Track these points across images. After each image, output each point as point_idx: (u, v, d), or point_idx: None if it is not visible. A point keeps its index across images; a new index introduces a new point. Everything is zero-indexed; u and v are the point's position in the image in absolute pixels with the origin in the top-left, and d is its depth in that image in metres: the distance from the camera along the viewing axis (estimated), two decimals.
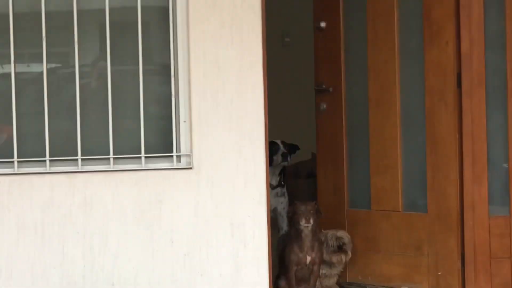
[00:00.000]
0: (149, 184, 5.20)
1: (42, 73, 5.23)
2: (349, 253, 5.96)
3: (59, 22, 5.37)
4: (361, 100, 6.38)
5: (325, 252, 5.89)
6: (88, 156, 5.24)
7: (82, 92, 5.28)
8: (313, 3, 6.95)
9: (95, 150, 5.26)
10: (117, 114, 5.27)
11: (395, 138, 6.11)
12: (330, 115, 6.56)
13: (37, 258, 5.28)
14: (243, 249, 5.26)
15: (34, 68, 5.66)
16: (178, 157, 5.19)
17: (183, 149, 5.22)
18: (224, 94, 5.26)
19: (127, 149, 5.30)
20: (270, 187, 5.71)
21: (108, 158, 5.13)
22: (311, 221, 5.62)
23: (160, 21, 5.53)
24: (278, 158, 6.35)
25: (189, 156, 5.18)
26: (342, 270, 6.13)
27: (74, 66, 5.23)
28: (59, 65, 5.70)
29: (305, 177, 7.69)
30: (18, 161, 5.13)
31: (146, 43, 5.44)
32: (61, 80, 5.53)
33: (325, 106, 6.58)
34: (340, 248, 5.93)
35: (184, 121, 5.24)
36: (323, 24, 6.63)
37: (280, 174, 6.62)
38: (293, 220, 5.91)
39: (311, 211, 5.67)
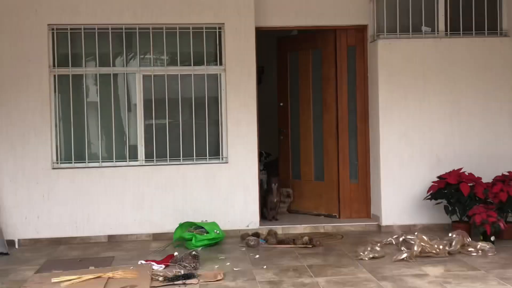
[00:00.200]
0: (210, 168, 7.22)
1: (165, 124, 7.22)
2: (292, 198, 8.01)
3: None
4: (295, 134, 8.19)
5: (281, 196, 7.84)
6: (185, 157, 7.24)
7: (185, 131, 7.26)
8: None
9: (187, 154, 7.25)
10: (198, 139, 7.27)
11: (310, 149, 8.02)
12: (285, 136, 8.37)
13: (164, 199, 7.11)
14: (248, 195, 7.22)
15: (160, 120, 7.30)
16: (222, 158, 7.27)
17: (224, 154, 7.25)
18: (240, 131, 7.19)
19: (201, 154, 7.29)
20: (259, 170, 7.48)
21: (192, 158, 7.23)
22: (276, 184, 7.64)
23: (215, 102, 7.32)
24: (262, 158, 8.04)
25: (226, 157, 7.21)
26: (288, 205, 8.08)
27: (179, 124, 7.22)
28: (174, 121, 7.31)
29: (275, 166, 8.75)
30: (156, 159, 7.18)
31: (209, 111, 7.32)
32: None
33: (283, 130, 8.36)
34: (288, 195, 7.97)
35: (225, 143, 7.21)
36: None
37: (263, 165, 8.29)
38: (268, 183, 7.74)
39: (276, 180, 7.72)
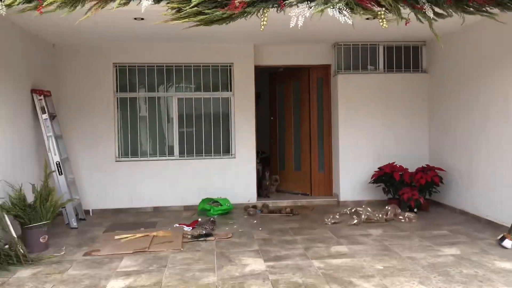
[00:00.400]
0: (223, 162, 7.17)
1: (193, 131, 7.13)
2: (279, 182, 7.87)
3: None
4: (281, 138, 8.11)
5: (272, 181, 7.78)
6: (206, 154, 7.20)
7: (206, 136, 7.19)
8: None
9: (207, 152, 7.20)
10: (215, 142, 7.21)
11: (291, 149, 7.93)
12: (274, 140, 8.32)
13: (191, 182, 7.02)
14: (248, 180, 7.19)
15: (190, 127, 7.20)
16: (232, 154, 7.21)
17: (233, 152, 7.20)
18: (243, 136, 7.16)
19: (217, 152, 7.23)
20: (257, 163, 7.40)
21: (211, 154, 7.18)
22: (268, 172, 7.71)
23: (227, 116, 7.25)
24: (258, 155, 7.80)
25: (234, 154, 7.18)
26: (276, 187, 7.88)
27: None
28: (198, 129, 7.16)
29: (267, 160, 8.55)
30: (186, 155, 7.13)
31: (223, 123, 7.25)
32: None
33: (273, 137, 8.29)
34: (276, 180, 7.85)
35: (233, 144, 7.16)
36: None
37: (259, 159, 7.94)
38: (263, 172, 7.74)
39: (268, 170, 7.80)
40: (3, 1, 3.31)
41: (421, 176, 6.45)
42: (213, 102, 7.28)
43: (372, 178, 6.90)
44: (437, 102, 6.98)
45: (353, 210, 6.31)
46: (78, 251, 4.74)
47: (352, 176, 7.23)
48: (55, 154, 5.88)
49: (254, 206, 6.86)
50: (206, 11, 3.31)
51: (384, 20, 3.37)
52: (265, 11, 3.34)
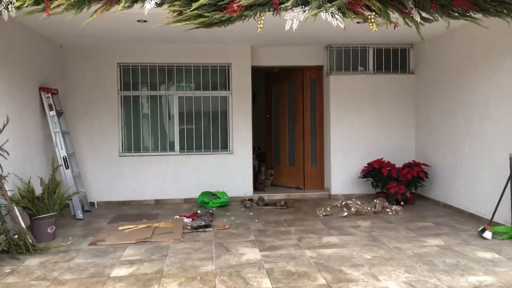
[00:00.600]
0: (221, 157, 7.11)
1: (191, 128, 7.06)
2: (274, 176, 7.92)
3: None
4: (276, 135, 8.06)
5: (267, 175, 7.81)
6: (205, 150, 7.14)
7: (205, 132, 7.06)
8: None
9: (206, 148, 7.14)
10: (214, 138, 7.17)
11: (286, 145, 7.87)
12: (270, 136, 8.25)
13: (191, 176, 6.96)
14: (245, 174, 7.14)
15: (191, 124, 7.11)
16: (229, 150, 7.16)
17: (230, 148, 7.15)
18: (240, 133, 7.10)
19: (216, 148, 7.17)
20: (253, 158, 7.38)
21: (210, 150, 7.13)
22: (264, 167, 7.64)
23: (225, 114, 7.18)
24: (255, 151, 7.76)
25: (232, 150, 7.13)
26: (271, 181, 7.93)
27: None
28: (198, 126, 7.07)
29: (263, 156, 8.42)
30: (187, 151, 7.04)
31: (221, 120, 7.18)
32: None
33: (268, 133, 8.20)
34: (271, 175, 7.90)
35: (231, 141, 7.09)
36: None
37: (255, 155, 7.81)
38: (259, 167, 7.64)
39: (264, 165, 7.71)
40: (13, 3, 3.26)
41: (407, 172, 6.47)
42: (212, 100, 7.24)
43: (361, 173, 6.90)
44: (423, 102, 6.98)
45: (343, 203, 6.31)
46: (84, 241, 4.74)
47: (343, 171, 7.22)
48: (62, 149, 5.87)
49: (251, 199, 6.86)
50: (206, 14, 3.28)
51: (374, 24, 3.35)
52: (261, 14, 3.31)
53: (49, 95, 5.83)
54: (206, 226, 5.25)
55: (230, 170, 7.16)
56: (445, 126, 6.28)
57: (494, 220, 4.93)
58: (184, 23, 3.32)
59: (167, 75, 7.11)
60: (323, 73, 7.52)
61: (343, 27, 3.29)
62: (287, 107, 7.92)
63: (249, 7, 3.27)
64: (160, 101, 7.16)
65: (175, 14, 3.34)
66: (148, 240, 4.70)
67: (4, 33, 4.81)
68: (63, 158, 5.87)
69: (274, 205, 6.57)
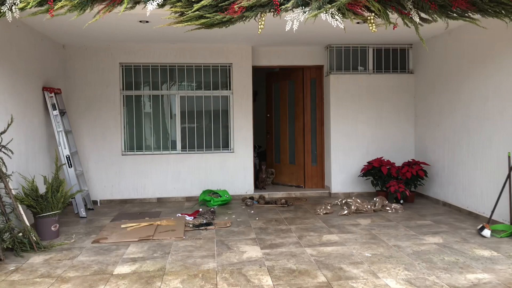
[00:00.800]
0: (222, 156, 7.08)
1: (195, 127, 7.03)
2: (274, 175, 7.90)
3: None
4: (277, 134, 8.01)
5: (268, 174, 7.80)
6: (207, 148, 7.12)
7: (207, 131, 7.08)
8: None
9: (208, 146, 7.12)
10: (215, 137, 7.12)
11: (286, 144, 7.84)
12: (270, 135, 8.20)
13: (193, 175, 6.95)
14: (246, 172, 7.11)
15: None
16: (230, 149, 7.14)
17: (231, 147, 7.13)
18: (241, 132, 7.08)
19: (217, 147, 7.14)
20: (254, 157, 7.39)
21: (211, 149, 7.10)
22: (264, 166, 7.56)
23: (226, 113, 7.16)
24: (255, 149, 7.97)
25: (233, 149, 7.11)
26: (272, 179, 7.92)
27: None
28: (199, 125, 7.07)
29: (264, 154, 8.59)
30: (188, 149, 7.00)
31: (222, 119, 7.16)
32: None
33: (268, 131, 8.14)
34: (272, 173, 7.89)
35: (232, 139, 7.08)
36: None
37: (256, 153, 8.00)
38: (259, 165, 7.62)
39: (264, 163, 7.63)
40: (17, 5, 3.27)
41: (407, 170, 6.48)
42: (213, 100, 7.24)
43: (361, 171, 6.89)
44: (422, 101, 6.97)
45: (343, 201, 6.31)
46: (87, 239, 4.76)
47: (343, 169, 7.22)
48: (65, 148, 5.89)
49: (251, 197, 6.86)
50: (207, 15, 3.28)
51: (373, 24, 3.36)
52: (262, 15, 3.31)
53: (52, 94, 5.85)
54: (208, 224, 5.25)
55: (231, 169, 7.15)
56: (443, 125, 6.28)
57: (493, 218, 4.95)
58: (186, 24, 3.32)
59: (169, 75, 7.11)
60: (323, 72, 7.50)
61: (343, 27, 3.31)
62: (288, 106, 7.90)
63: (250, 8, 3.27)
64: (162, 101, 7.15)
65: (176, 15, 3.35)
66: (151, 238, 4.71)
67: (7, 33, 4.82)
68: (66, 157, 5.89)
69: (275, 203, 6.56)
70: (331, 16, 3.22)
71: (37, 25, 5.38)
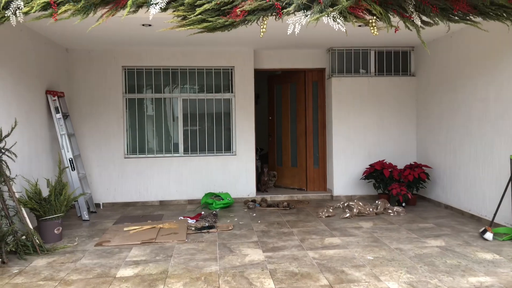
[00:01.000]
0: (224, 158, 7.09)
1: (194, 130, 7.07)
2: (276, 177, 7.86)
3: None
4: (279, 136, 7.98)
5: (270, 176, 7.77)
6: (209, 151, 7.12)
7: (209, 134, 7.06)
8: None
9: (210, 149, 7.12)
10: (217, 140, 7.13)
11: (288, 146, 7.82)
12: (272, 138, 8.18)
13: (195, 178, 6.96)
14: (248, 175, 7.11)
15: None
16: (232, 152, 7.15)
17: (233, 149, 7.14)
18: (243, 135, 7.09)
19: (219, 149, 7.15)
20: (256, 159, 7.37)
21: (213, 151, 7.10)
22: (266, 168, 7.58)
23: (228, 116, 7.18)
24: (257, 152, 7.88)
25: (235, 151, 7.12)
26: (274, 182, 7.91)
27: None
28: (202, 128, 7.07)
29: (266, 157, 8.61)
30: (190, 152, 7.00)
31: (225, 122, 7.18)
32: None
33: (270, 133, 8.11)
34: (274, 176, 7.85)
35: (234, 142, 7.09)
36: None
37: (258, 156, 7.95)
38: (261, 168, 7.65)
39: (266, 166, 7.65)
40: (21, 9, 3.29)
41: (409, 173, 6.47)
42: (216, 102, 7.24)
43: (363, 174, 6.89)
44: (424, 103, 6.97)
45: (345, 204, 6.31)
46: (90, 242, 4.76)
47: (345, 172, 7.21)
48: (68, 151, 5.90)
49: (254, 200, 6.85)
50: (210, 19, 3.30)
51: (375, 28, 3.37)
52: (264, 19, 3.33)
53: (56, 98, 5.87)
54: (210, 227, 5.25)
55: (233, 171, 7.15)
56: (445, 127, 6.27)
57: (495, 221, 4.93)
58: (188, 27, 3.34)
59: (171, 78, 7.12)
60: (325, 75, 7.50)
61: (344, 31, 3.31)
62: (290, 108, 7.90)
63: (252, 12, 3.30)
64: (164, 104, 7.16)
65: (179, 18, 3.37)
66: (153, 241, 4.71)
67: (11, 37, 4.84)
68: (69, 160, 5.90)
69: (277, 206, 6.56)
70: (333, 20, 3.23)
71: (41, 29, 5.41)
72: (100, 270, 3.84)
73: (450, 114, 6.14)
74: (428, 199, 6.80)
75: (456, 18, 3.53)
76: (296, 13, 3.26)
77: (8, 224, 4.20)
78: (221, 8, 3.30)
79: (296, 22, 3.25)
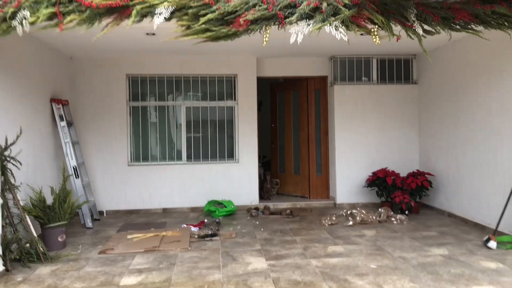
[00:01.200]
0: (227, 166, 7.10)
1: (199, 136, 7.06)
2: (279, 185, 7.87)
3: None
4: (282, 143, 8.02)
5: (272, 184, 7.77)
6: (212, 159, 7.15)
7: (212, 141, 7.11)
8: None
9: (213, 156, 7.15)
10: (220, 147, 7.18)
11: (291, 154, 7.85)
12: (275, 145, 8.20)
13: (198, 185, 6.96)
14: (251, 183, 7.10)
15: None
16: (235, 159, 7.16)
17: (236, 157, 7.15)
18: (246, 142, 7.09)
19: (222, 157, 7.18)
20: (259, 167, 7.46)
21: (216, 159, 7.14)
22: (269, 176, 7.63)
23: (231, 123, 7.19)
24: (260, 159, 7.88)
25: (238, 159, 7.12)
26: (277, 189, 7.89)
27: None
28: (205, 135, 7.10)
29: (269, 164, 8.56)
30: (193, 160, 6.99)
31: (227, 129, 7.20)
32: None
33: (273, 140, 8.17)
34: (277, 183, 7.86)
35: (237, 149, 7.10)
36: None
37: (261, 163, 7.95)
38: (264, 175, 7.69)
39: (269, 173, 7.72)
40: (27, 19, 3.33)
41: (412, 181, 6.47)
42: (219, 110, 7.26)
43: (366, 182, 6.89)
44: (426, 111, 6.97)
45: (348, 212, 6.31)
46: (94, 250, 4.77)
47: (348, 180, 7.20)
48: (72, 159, 5.93)
49: (256, 208, 6.84)
50: (213, 28, 3.32)
51: (377, 36, 3.39)
52: (267, 28, 3.35)
53: (60, 106, 5.91)
54: (213, 235, 5.26)
55: (236, 179, 7.14)
56: (448, 135, 6.26)
57: (499, 229, 4.89)
58: (192, 37, 3.36)
59: (175, 86, 7.15)
60: (327, 83, 7.52)
61: (346, 40, 3.33)
62: (292, 116, 7.91)
63: (255, 21, 3.31)
64: (168, 111, 7.18)
65: (183, 28, 3.38)
66: (156, 248, 4.72)
67: (16, 46, 4.88)
68: (73, 167, 5.93)
69: (280, 214, 6.56)
70: (335, 29, 3.26)
71: (46, 38, 5.44)
72: (104, 278, 3.84)
73: (452, 122, 6.14)
74: (431, 207, 6.78)
75: (458, 27, 3.55)
76: (298, 22, 3.28)
77: (12, 232, 4.22)
78: (225, 18, 3.32)
79: (298, 31, 3.27)
